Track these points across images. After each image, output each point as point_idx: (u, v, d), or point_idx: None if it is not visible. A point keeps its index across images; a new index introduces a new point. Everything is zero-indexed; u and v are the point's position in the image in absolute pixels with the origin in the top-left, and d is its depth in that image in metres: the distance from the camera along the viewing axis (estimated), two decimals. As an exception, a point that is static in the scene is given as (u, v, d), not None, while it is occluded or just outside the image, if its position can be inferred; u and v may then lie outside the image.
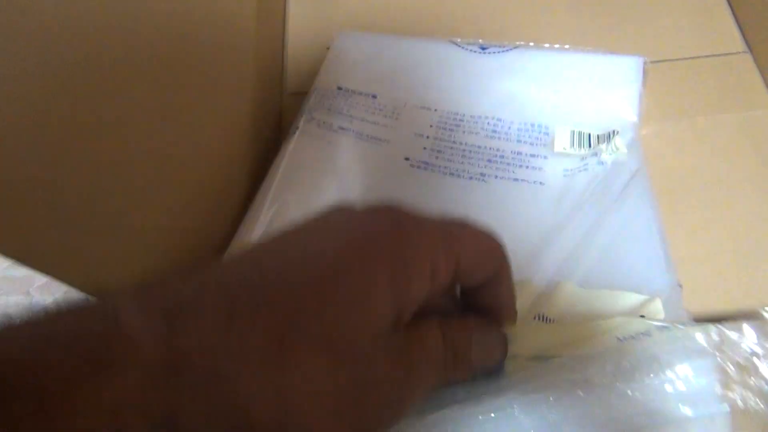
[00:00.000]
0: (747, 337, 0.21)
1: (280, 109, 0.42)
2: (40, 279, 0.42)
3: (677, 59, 0.41)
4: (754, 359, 0.21)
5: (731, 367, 0.21)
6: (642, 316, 0.26)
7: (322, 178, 0.34)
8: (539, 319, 0.27)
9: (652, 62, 0.38)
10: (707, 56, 0.41)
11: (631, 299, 0.27)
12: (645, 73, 0.38)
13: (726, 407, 0.21)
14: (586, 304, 0.27)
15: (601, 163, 0.34)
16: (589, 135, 0.35)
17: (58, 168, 0.22)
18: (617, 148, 0.34)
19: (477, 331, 0.20)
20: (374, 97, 0.38)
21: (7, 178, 0.20)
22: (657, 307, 0.26)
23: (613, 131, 0.34)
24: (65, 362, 0.13)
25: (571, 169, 0.34)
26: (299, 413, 0.15)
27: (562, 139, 0.35)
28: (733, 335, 0.21)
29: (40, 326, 0.13)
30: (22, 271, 0.44)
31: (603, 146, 0.34)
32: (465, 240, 0.19)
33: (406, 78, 0.38)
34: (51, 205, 0.22)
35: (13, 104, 0.20)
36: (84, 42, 0.23)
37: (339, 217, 0.18)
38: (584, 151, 0.34)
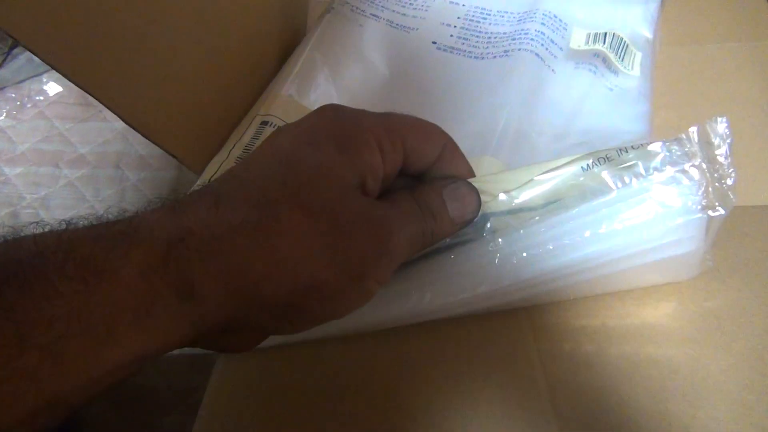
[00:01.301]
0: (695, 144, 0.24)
1: (306, 13, 0.44)
2: (69, 153, 0.44)
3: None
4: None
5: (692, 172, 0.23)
6: None
7: (349, 56, 0.36)
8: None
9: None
10: (722, -12, 0.43)
11: None
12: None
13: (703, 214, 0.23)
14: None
15: (614, 72, 0.35)
16: (605, 34, 0.36)
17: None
18: (630, 67, 0.36)
19: (446, 187, 0.23)
20: (406, -10, 0.40)
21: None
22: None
23: (627, 44, 0.36)
24: (105, 238, 0.17)
25: (586, 65, 0.35)
26: (290, 260, 0.18)
27: (578, 38, 0.36)
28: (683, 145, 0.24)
29: (93, 227, 0.18)
30: (52, 146, 0.46)
31: (615, 57, 0.36)
32: (406, 124, 0.22)
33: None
34: (118, 39, 0.24)
35: None
36: None
37: (288, 125, 0.21)
38: (600, 46, 0.36)
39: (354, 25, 0.37)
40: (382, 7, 0.39)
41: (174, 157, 0.29)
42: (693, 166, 0.23)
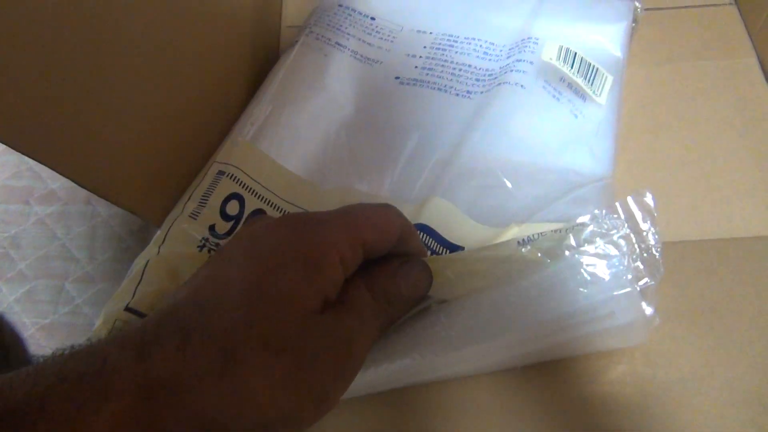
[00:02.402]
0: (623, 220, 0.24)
1: (278, 41, 0.43)
2: (39, 189, 0.44)
3: (667, 8, 0.42)
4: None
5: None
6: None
7: (315, 91, 0.35)
8: None
9: (643, 9, 0.40)
10: (695, 6, 0.42)
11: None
12: (636, 17, 0.39)
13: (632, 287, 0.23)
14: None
15: (582, 97, 0.35)
16: (575, 54, 0.36)
17: (64, 60, 0.24)
18: (600, 91, 0.35)
19: (400, 269, 0.24)
20: (373, 19, 0.39)
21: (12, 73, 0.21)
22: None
23: (597, 68, 0.36)
24: (74, 393, 0.17)
25: (552, 86, 0.35)
26: (253, 399, 0.19)
27: (550, 50, 0.36)
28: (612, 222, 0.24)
29: (56, 366, 0.18)
30: (22, 181, 0.46)
31: (584, 82, 0.35)
32: (366, 224, 0.22)
33: (405, 3, 0.40)
34: (57, 99, 0.24)
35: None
36: None
37: (251, 238, 0.22)
38: (567, 68, 0.35)
39: (319, 56, 0.37)
40: (349, 35, 0.38)
41: (132, 212, 0.29)
42: (621, 237, 0.24)
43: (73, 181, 0.25)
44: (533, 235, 0.24)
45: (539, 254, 0.24)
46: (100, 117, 0.26)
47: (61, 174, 0.25)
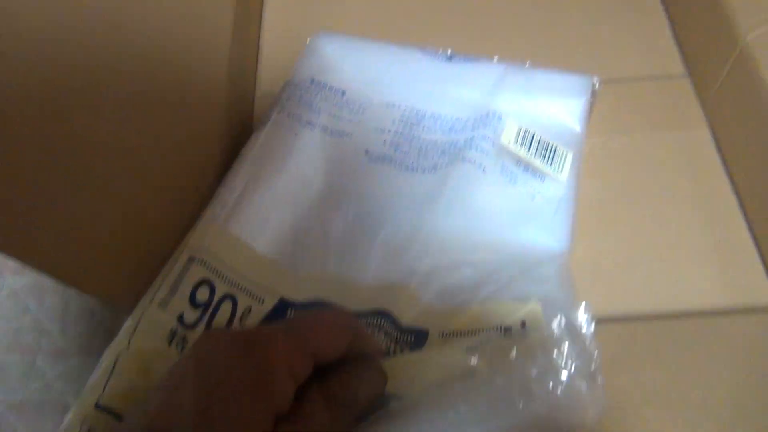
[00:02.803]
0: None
1: (252, 108, 0.44)
2: (12, 263, 0.44)
3: (623, 79, 0.44)
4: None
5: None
6: (523, 322, 0.30)
7: (286, 170, 0.36)
8: (441, 336, 0.30)
9: (599, 82, 0.41)
10: (650, 78, 0.45)
11: (512, 308, 0.30)
12: (594, 92, 0.41)
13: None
14: (481, 320, 0.31)
15: (540, 178, 0.37)
16: (534, 134, 0.38)
17: (28, 155, 0.24)
18: (560, 168, 0.37)
19: (354, 373, 0.24)
20: (343, 93, 0.40)
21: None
22: (536, 312, 0.30)
23: (556, 147, 0.38)
24: None
25: (510, 170, 0.37)
26: None
27: (510, 131, 0.37)
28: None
29: None
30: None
31: (542, 162, 0.37)
32: (315, 335, 0.23)
33: (375, 78, 0.41)
34: (24, 194, 0.24)
35: None
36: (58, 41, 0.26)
37: (201, 361, 0.22)
38: (524, 152, 0.37)
39: (290, 136, 0.38)
40: (319, 110, 0.39)
41: (104, 301, 0.29)
42: (559, 352, 0.25)
43: (39, 271, 0.26)
44: (481, 339, 0.25)
45: (487, 368, 0.25)
46: (67, 205, 0.26)
47: (25, 265, 0.25)
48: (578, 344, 0.26)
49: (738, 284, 0.36)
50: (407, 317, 0.31)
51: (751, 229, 0.38)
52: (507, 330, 0.30)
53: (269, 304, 0.31)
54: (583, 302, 0.26)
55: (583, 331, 0.26)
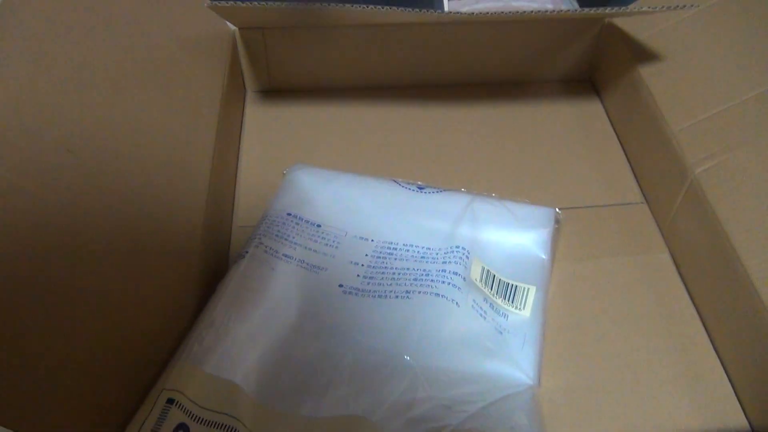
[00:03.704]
0: None
1: (229, 240, 0.46)
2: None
3: (585, 207, 0.47)
4: None
5: None
6: None
7: (260, 306, 0.37)
8: None
9: (564, 209, 0.44)
10: (611, 205, 0.47)
11: None
12: (558, 222, 0.44)
13: None
14: None
15: (503, 315, 0.38)
16: (494, 276, 0.40)
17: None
18: (522, 305, 0.39)
19: None
20: (319, 226, 0.42)
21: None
22: None
23: (516, 287, 0.39)
24: None
25: (479, 305, 0.38)
26: None
27: (475, 270, 0.39)
28: None
29: None
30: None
31: (504, 301, 0.39)
32: None
33: (349, 210, 0.43)
34: None
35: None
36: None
37: None
38: (488, 291, 0.39)
39: (266, 270, 0.39)
40: (295, 243, 0.41)
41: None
42: None
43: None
44: None
45: None
46: (35, 358, 0.26)
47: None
48: None
49: (709, 407, 0.37)
50: None
51: (716, 349, 0.39)
52: None
53: None
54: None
55: None
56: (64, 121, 0.31)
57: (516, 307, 0.39)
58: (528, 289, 0.40)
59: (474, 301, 0.38)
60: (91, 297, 0.30)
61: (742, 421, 0.36)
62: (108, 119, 0.34)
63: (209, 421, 0.32)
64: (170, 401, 0.32)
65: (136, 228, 0.34)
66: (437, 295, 0.38)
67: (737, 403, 0.37)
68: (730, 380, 0.38)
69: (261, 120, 0.55)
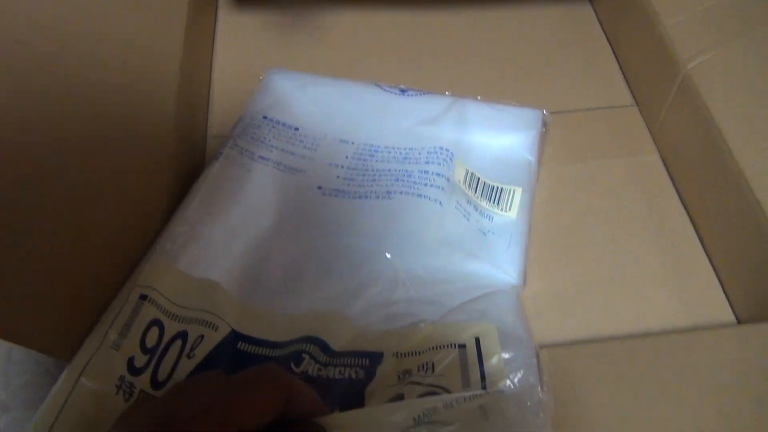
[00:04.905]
0: None
1: (204, 149, 0.44)
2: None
3: (575, 110, 0.45)
4: None
5: None
6: (477, 339, 0.29)
7: (239, 204, 0.36)
8: (396, 356, 0.30)
9: (552, 113, 0.42)
10: (600, 108, 0.46)
11: (466, 326, 0.30)
12: (545, 123, 0.42)
13: None
14: (434, 338, 0.30)
15: (488, 217, 0.37)
16: (479, 179, 0.38)
17: None
18: (508, 206, 0.37)
19: None
20: (296, 129, 0.40)
21: None
22: (491, 330, 0.29)
23: (501, 189, 0.38)
24: None
25: (463, 206, 0.37)
26: None
27: (459, 172, 0.38)
28: None
29: None
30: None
31: (489, 204, 0.37)
32: (242, 406, 0.21)
33: (329, 113, 0.41)
34: None
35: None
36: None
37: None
38: (472, 193, 0.37)
39: (242, 171, 0.37)
40: (272, 146, 0.39)
41: (46, 353, 0.28)
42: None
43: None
44: (430, 410, 0.24)
45: None
46: (2, 251, 0.25)
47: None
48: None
49: (696, 304, 0.36)
50: (340, 342, 0.30)
51: (705, 248, 0.38)
52: (461, 347, 0.29)
53: (223, 332, 0.30)
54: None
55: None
56: (12, 12, 0.28)
57: (502, 209, 0.38)
58: (514, 190, 0.38)
59: (458, 202, 0.37)
60: (55, 192, 0.28)
61: (729, 316, 0.36)
62: (59, 14, 0.31)
63: (184, 318, 0.31)
64: (143, 297, 0.30)
65: (95, 128, 0.32)
66: (419, 195, 0.36)
67: (725, 299, 0.36)
68: (718, 278, 0.37)
69: (235, 25, 0.52)
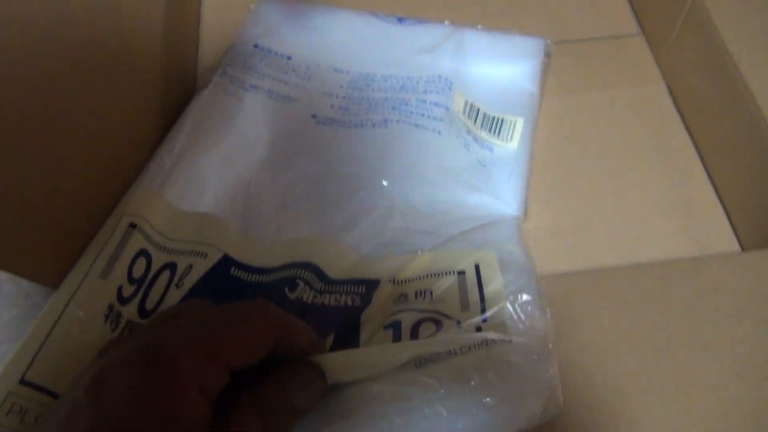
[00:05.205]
0: None
1: (194, 80, 0.42)
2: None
3: (578, 40, 0.44)
4: None
5: None
6: (477, 266, 0.28)
7: (229, 133, 0.35)
8: (393, 283, 0.29)
9: (554, 42, 0.41)
10: (605, 38, 0.44)
11: (465, 253, 0.29)
12: (547, 53, 0.40)
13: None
14: (433, 265, 0.29)
15: (488, 149, 0.36)
16: (479, 109, 0.37)
17: None
18: (509, 137, 0.36)
19: (290, 381, 0.21)
20: (289, 58, 0.39)
21: None
22: (490, 257, 0.28)
23: (502, 119, 0.37)
24: None
25: (463, 137, 0.35)
26: None
27: (458, 102, 0.36)
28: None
29: None
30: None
31: (489, 135, 0.36)
32: (229, 343, 0.20)
33: (322, 42, 0.40)
34: None
35: None
36: None
37: (98, 387, 0.19)
38: (471, 124, 0.36)
39: (233, 100, 0.36)
40: (264, 75, 0.38)
41: (33, 281, 0.27)
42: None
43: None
44: (433, 354, 0.24)
45: (438, 383, 0.23)
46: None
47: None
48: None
49: (702, 234, 0.35)
50: (336, 269, 0.30)
51: (711, 178, 0.37)
52: (460, 273, 0.28)
53: (213, 259, 0.29)
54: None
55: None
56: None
57: (503, 140, 0.36)
58: (515, 121, 0.37)
59: (457, 132, 0.35)
60: (42, 122, 0.27)
61: (735, 247, 0.35)
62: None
63: (172, 250, 0.30)
64: (132, 226, 0.29)
65: (81, 57, 0.30)
66: (417, 125, 0.35)
67: (731, 230, 0.35)
68: (724, 209, 0.36)
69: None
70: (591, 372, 0.27)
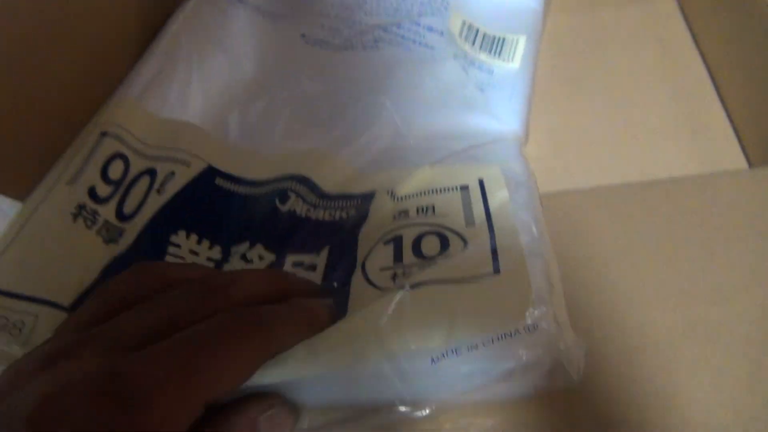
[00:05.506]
0: None
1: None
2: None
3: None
4: None
5: None
6: (481, 180, 0.27)
7: (212, 48, 0.33)
8: (392, 197, 0.27)
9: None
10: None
11: (469, 168, 0.27)
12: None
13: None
14: (434, 180, 0.28)
15: (488, 71, 0.34)
16: (477, 30, 0.35)
17: None
18: (511, 56, 0.34)
19: (262, 415, 0.18)
20: (278, -27, 0.37)
21: None
22: (495, 172, 0.27)
23: (504, 39, 0.35)
24: None
25: (460, 59, 0.34)
26: None
27: (455, 23, 0.34)
28: None
29: None
30: None
31: (489, 56, 0.34)
32: (215, 370, 0.16)
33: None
34: None
35: None
36: None
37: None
38: (469, 47, 0.34)
39: (218, 12, 0.34)
40: (251, -10, 0.36)
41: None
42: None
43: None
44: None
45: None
46: None
47: None
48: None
49: (711, 154, 0.34)
50: (330, 183, 0.28)
51: (721, 97, 0.35)
52: (464, 188, 0.27)
53: (197, 168, 0.28)
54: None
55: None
56: None
57: (504, 60, 0.34)
58: (517, 39, 0.35)
59: (454, 55, 0.33)
60: (17, 31, 0.25)
61: (743, 163, 0.34)
62: None
63: (152, 156, 0.28)
64: (104, 134, 0.28)
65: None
66: (409, 50, 0.33)
67: (741, 150, 0.34)
68: (734, 128, 0.35)
69: None
70: (592, 283, 0.26)
